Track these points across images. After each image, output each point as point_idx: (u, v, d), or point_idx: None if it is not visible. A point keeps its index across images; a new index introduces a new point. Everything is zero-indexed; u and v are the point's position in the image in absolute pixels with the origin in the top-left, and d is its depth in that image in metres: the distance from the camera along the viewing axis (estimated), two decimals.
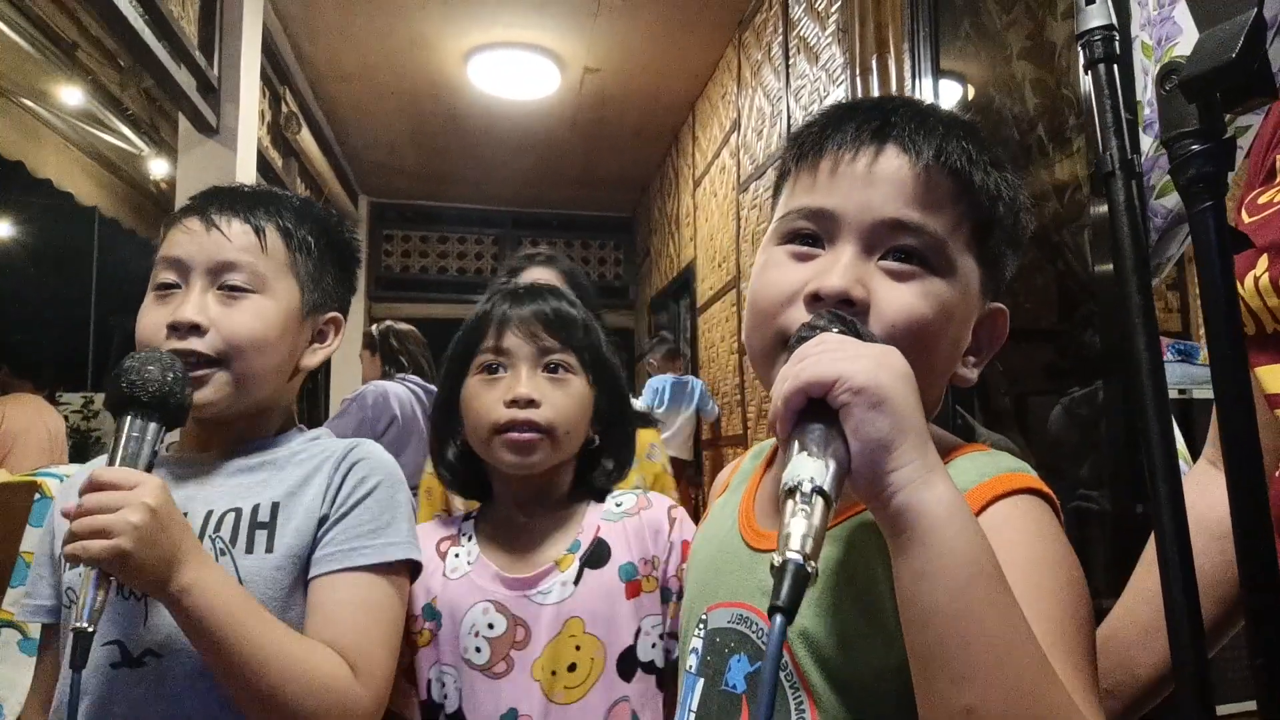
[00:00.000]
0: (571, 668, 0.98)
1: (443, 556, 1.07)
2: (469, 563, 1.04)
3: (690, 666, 0.75)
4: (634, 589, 1.01)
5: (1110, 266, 1.83)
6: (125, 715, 0.85)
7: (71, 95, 4.00)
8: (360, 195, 6.65)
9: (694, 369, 4.88)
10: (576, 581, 1.01)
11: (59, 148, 4.38)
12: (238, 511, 0.93)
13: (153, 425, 0.83)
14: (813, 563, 0.46)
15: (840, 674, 0.62)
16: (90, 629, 0.73)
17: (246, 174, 3.30)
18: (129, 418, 0.83)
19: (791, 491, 0.49)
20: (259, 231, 0.97)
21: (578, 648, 0.98)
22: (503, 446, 1.03)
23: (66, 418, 5.70)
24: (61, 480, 1.91)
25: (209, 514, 0.93)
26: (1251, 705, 0.49)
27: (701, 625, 0.74)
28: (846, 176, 0.68)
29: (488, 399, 1.04)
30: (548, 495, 1.08)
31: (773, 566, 0.46)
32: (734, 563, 0.74)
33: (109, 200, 4.86)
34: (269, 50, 3.90)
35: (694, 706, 0.72)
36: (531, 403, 1.02)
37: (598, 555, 1.03)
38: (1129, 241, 0.54)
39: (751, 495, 0.79)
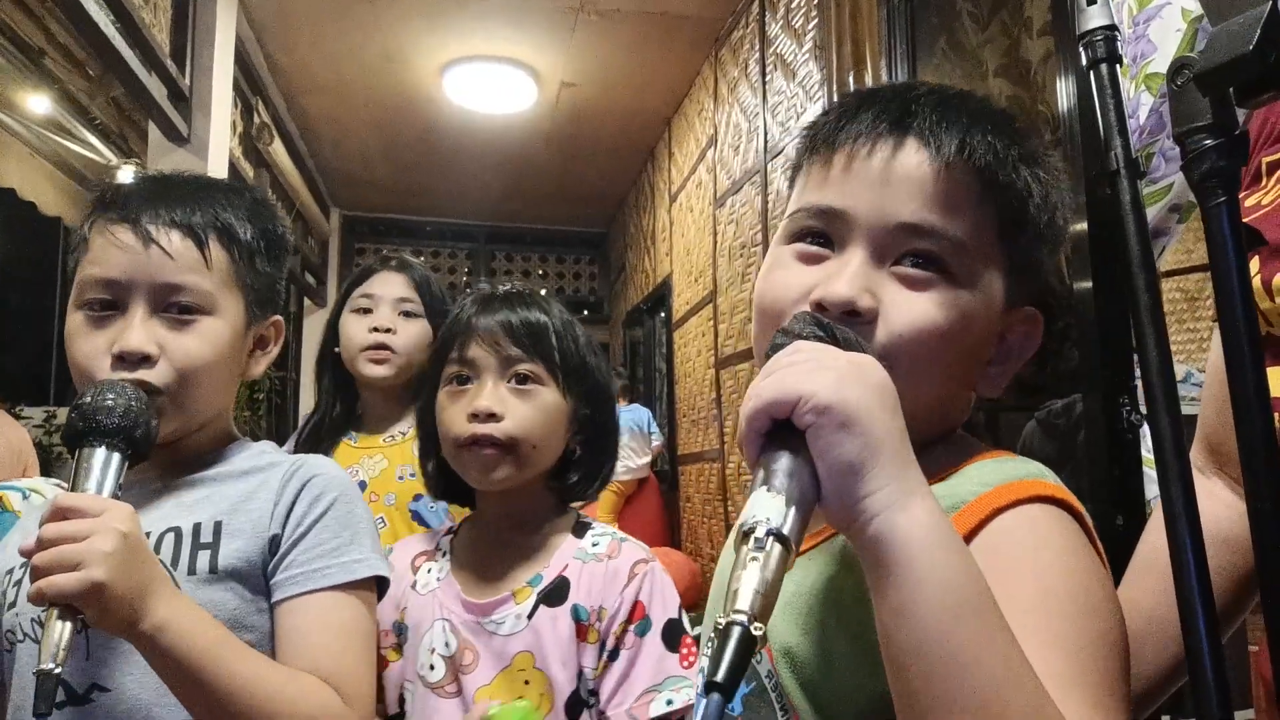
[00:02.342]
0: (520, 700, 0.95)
1: (415, 571, 1.04)
2: (438, 579, 1.02)
3: (699, 686, 0.73)
4: (583, 632, 0.98)
5: (1089, 283, 1.85)
6: None
7: (38, 103, 3.94)
8: (332, 208, 6.59)
9: (669, 384, 4.87)
10: (530, 615, 0.98)
11: (23, 157, 4.31)
12: (177, 531, 0.87)
13: (116, 455, 0.77)
14: (759, 625, 0.41)
15: (823, 697, 0.59)
16: (57, 670, 0.66)
17: None
18: (89, 448, 0.76)
19: (746, 535, 0.44)
20: (201, 244, 0.88)
21: (526, 683, 0.96)
22: (467, 462, 1.00)
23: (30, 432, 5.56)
24: (25, 495, 1.85)
25: (146, 535, 0.85)
26: (1243, 714, 0.48)
27: (710, 643, 0.72)
28: (860, 173, 0.62)
29: (452, 411, 1.02)
30: (523, 512, 1.05)
31: (716, 628, 0.41)
32: None
33: (74, 211, 4.78)
34: (242, 60, 3.86)
35: None
36: (492, 416, 0.99)
37: (557, 592, 0.99)
38: (1135, 240, 0.53)
39: None
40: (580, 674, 0.97)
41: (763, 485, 0.46)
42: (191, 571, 0.85)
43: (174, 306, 0.87)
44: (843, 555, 0.60)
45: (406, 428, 1.64)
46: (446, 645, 0.98)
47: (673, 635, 0.98)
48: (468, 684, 0.96)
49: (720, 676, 0.39)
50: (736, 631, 0.40)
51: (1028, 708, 0.43)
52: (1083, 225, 1.76)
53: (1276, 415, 0.70)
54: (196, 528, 0.87)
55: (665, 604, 1.00)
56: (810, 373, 0.48)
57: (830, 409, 0.46)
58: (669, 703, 0.94)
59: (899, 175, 0.61)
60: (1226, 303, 0.46)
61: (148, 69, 2.84)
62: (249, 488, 0.91)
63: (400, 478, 1.57)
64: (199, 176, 1.01)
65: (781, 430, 0.48)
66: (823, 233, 0.64)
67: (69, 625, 0.68)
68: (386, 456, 1.61)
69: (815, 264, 0.63)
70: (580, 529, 1.06)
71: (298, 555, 0.87)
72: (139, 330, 0.84)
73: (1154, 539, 0.81)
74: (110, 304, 0.86)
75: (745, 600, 0.41)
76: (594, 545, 1.03)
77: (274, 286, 0.99)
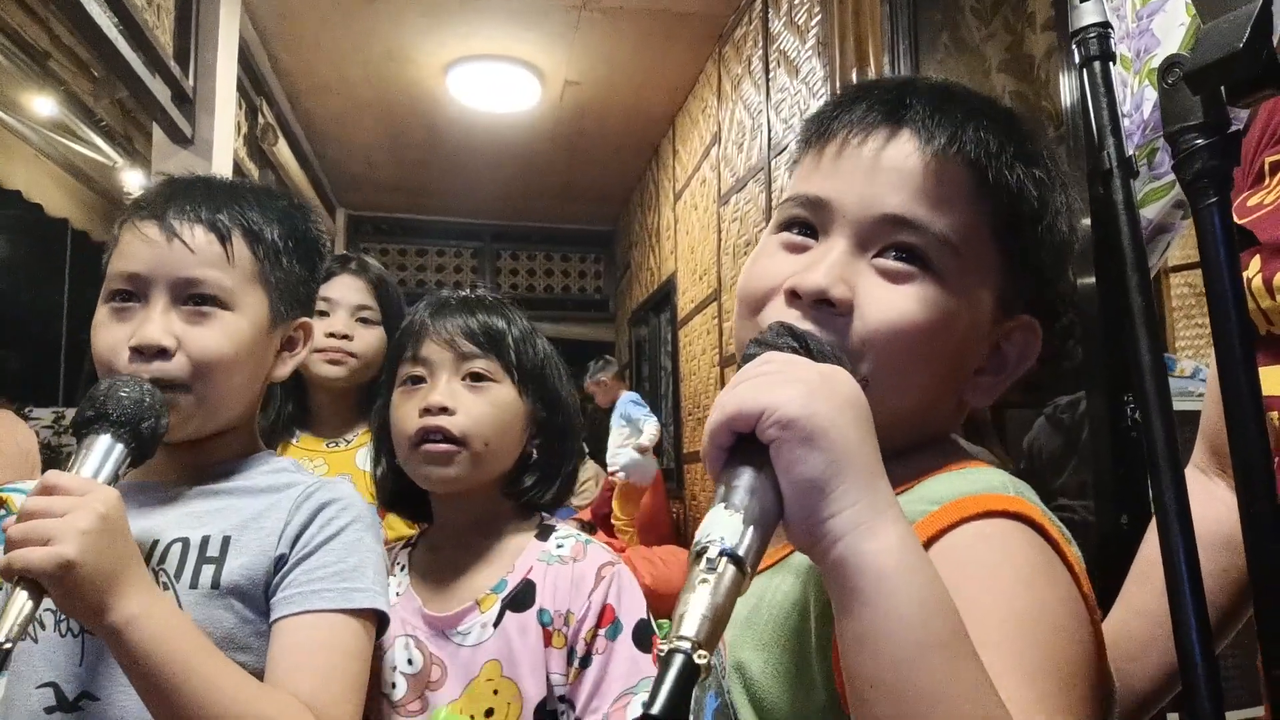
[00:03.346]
0: (489, 713, 0.93)
1: None
2: (398, 594, 1.00)
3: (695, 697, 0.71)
4: (548, 637, 0.95)
5: (1093, 279, 1.83)
6: None
7: (43, 105, 3.95)
8: (338, 207, 6.60)
9: (675, 382, 4.87)
10: (496, 624, 0.96)
11: (30, 159, 4.32)
12: (185, 542, 0.86)
13: (119, 446, 0.76)
14: (703, 652, 0.38)
15: (769, 708, 0.57)
16: (8, 644, 0.64)
17: None
18: (93, 435, 0.76)
19: (699, 555, 0.41)
20: (224, 240, 0.88)
21: (495, 692, 0.94)
22: (419, 459, 0.98)
23: (37, 433, 5.59)
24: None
25: (155, 543, 0.86)
26: (1250, 712, 0.47)
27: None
28: (849, 162, 0.61)
29: (405, 409, 1.00)
30: (482, 518, 1.03)
31: (658, 655, 0.39)
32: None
33: (80, 212, 4.79)
34: (245, 61, 3.86)
35: None
36: (444, 410, 0.97)
37: (522, 598, 0.97)
38: (1128, 240, 0.52)
39: None
40: (548, 680, 0.94)
41: (721, 502, 0.44)
42: (194, 585, 0.84)
43: (193, 299, 0.87)
44: (807, 572, 0.58)
45: (353, 436, 1.62)
46: (410, 662, 0.95)
47: (643, 636, 0.96)
48: (435, 700, 0.94)
49: (658, 708, 0.37)
50: (678, 660, 0.38)
51: None
52: (1085, 221, 1.75)
53: (1275, 413, 0.70)
54: (205, 540, 0.86)
55: (633, 605, 0.98)
56: (776, 385, 0.46)
57: (794, 423, 0.44)
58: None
59: (887, 166, 0.59)
60: (1218, 303, 0.45)
61: (151, 71, 2.84)
62: (263, 505, 0.89)
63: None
64: (232, 180, 1.01)
65: (746, 445, 0.46)
66: (809, 222, 0.62)
67: (30, 602, 0.66)
68: (328, 462, 1.59)
69: (798, 253, 0.61)
70: (544, 532, 1.03)
71: (299, 575, 0.86)
72: (157, 322, 0.84)
73: (1157, 541, 0.81)
74: (132, 295, 0.87)
75: (691, 626, 0.39)
76: (558, 547, 1.01)
77: (303, 288, 0.98)
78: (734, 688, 0.59)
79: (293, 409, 1.64)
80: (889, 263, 0.58)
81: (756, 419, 0.45)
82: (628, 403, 4.73)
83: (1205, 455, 0.81)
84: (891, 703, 0.41)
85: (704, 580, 0.40)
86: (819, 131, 0.64)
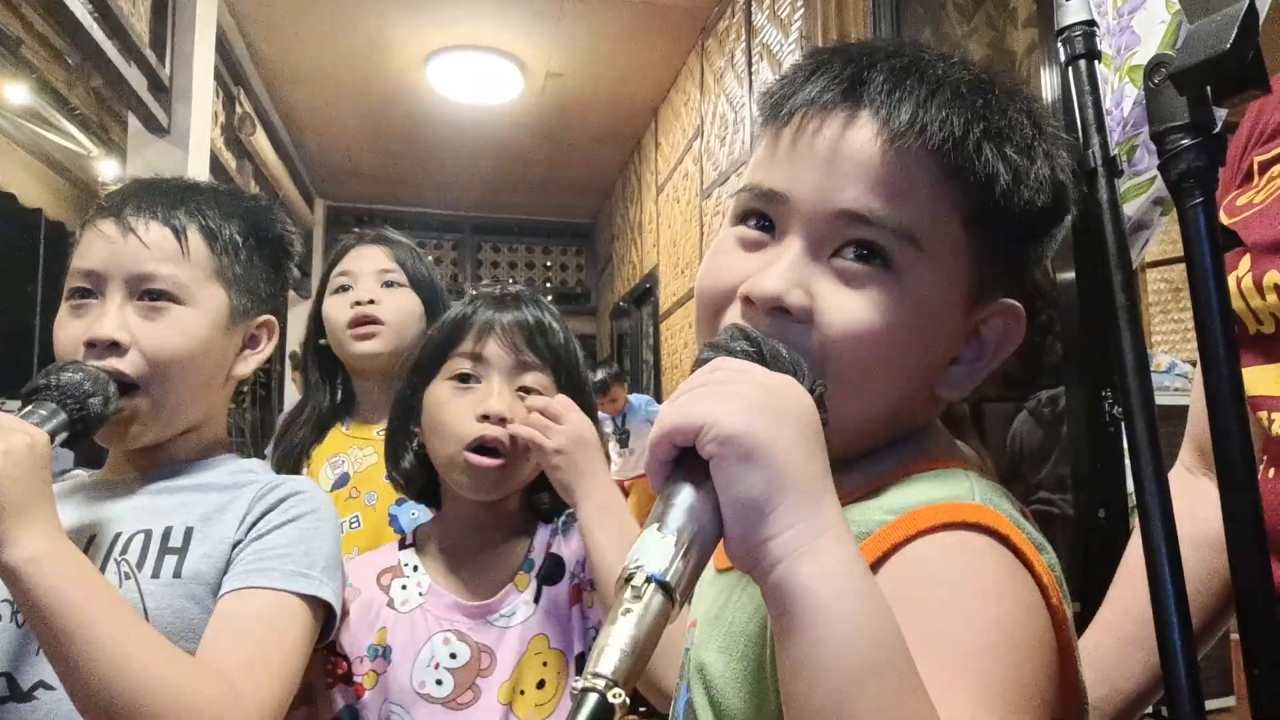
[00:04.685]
0: (540, 684, 0.95)
1: (385, 589, 1.00)
2: (420, 593, 0.99)
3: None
4: (576, 594, 0.99)
5: (1072, 274, 1.85)
6: None
7: (16, 93, 3.88)
8: (316, 198, 6.55)
9: (656, 376, 4.87)
10: (537, 599, 0.98)
11: (3, 148, 4.25)
12: (147, 533, 0.86)
13: (62, 414, 0.76)
14: (618, 691, 0.36)
15: (727, 717, 0.55)
16: None
17: (199, 175, 3.22)
18: (38, 401, 0.76)
19: (625, 581, 0.39)
20: (179, 235, 0.89)
21: (544, 664, 0.96)
22: (466, 468, 0.96)
23: None
24: None
25: (117, 536, 0.85)
26: (1222, 702, 0.48)
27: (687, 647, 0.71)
28: (804, 151, 0.56)
29: (457, 408, 0.97)
30: (502, 513, 1.03)
31: (573, 692, 0.37)
32: (705, 580, 0.67)
33: (54, 202, 4.73)
34: (223, 50, 3.82)
35: None
36: (504, 421, 0.95)
37: (554, 571, 0.99)
38: (1112, 238, 0.52)
39: None
40: (586, 635, 0.98)
41: (655, 523, 0.41)
42: (155, 575, 0.83)
43: (148, 294, 0.87)
44: None
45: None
46: (453, 656, 0.94)
47: None
48: (487, 686, 0.94)
49: None
50: (591, 700, 0.35)
51: None
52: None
53: (1265, 413, 0.70)
54: (167, 531, 0.86)
55: None
56: (717, 397, 0.43)
57: (734, 439, 0.41)
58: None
59: (843, 155, 0.55)
60: (1203, 303, 0.46)
61: (127, 59, 2.80)
62: (227, 499, 0.89)
63: (388, 477, 1.48)
64: (194, 180, 1.00)
65: (688, 459, 0.43)
66: (765, 215, 0.58)
67: None
68: (377, 451, 1.43)
69: (755, 250, 0.58)
70: (546, 517, 1.05)
71: (249, 553, 0.85)
72: (111, 317, 0.85)
73: None
74: (90, 293, 0.87)
75: (609, 663, 0.36)
76: (563, 523, 1.04)
77: (266, 285, 0.97)
78: (695, 688, 0.58)
79: (331, 402, 1.53)
80: (847, 264, 0.54)
81: (696, 433, 0.42)
82: (645, 405, 4.69)
83: (1192, 455, 0.81)
84: None
85: (627, 611, 0.38)
86: (774, 111, 0.59)
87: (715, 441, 0.42)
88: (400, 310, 1.48)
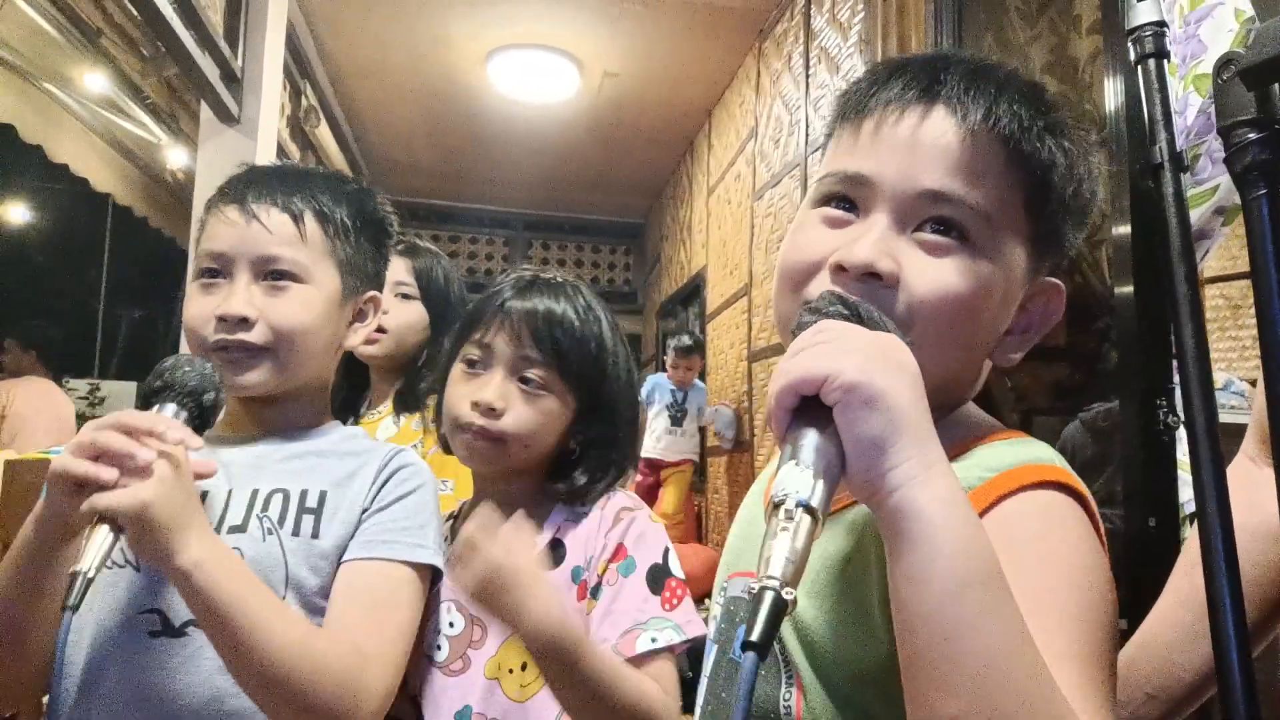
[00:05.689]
0: (524, 666, 0.98)
1: None
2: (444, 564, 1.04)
3: (711, 632, 0.76)
4: (582, 591, 1.00)
5: (1130, 288, 1.83)
6: (160, 684, 0.85)
7: (94, 81, 4.02)
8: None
9: (702, 375, 4.87)
10: None
11: (78, 133, 4.40)
12: (285, 493, 0.94)
13: (184, 413, 0.83)
14: (790, 589, 0.43)
15: (825, 662, 0.61)
16: (92, 574, 0.69)
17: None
18: (160, 402, 0.82)
19: (777, 506, 0.46)
20: (298, 220, 0.98)
21: None
22: (458, 444, 1.04)
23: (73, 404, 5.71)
24: None
25: (255, 492, 0.94)
26: None
27: (722, 594, 0.76)
28: (888, 140, 0.64)
29: (457, 391, 1.05)
30: (522, 491, 1.07)
31: (749, 593, 0.45)
32: (754, 533, 0.74)
33: (123, 188, 4.87)
34: (291, 44, 3.92)
35: (707, 672, 0.74)
36: (492, 410, 1.01)
37: (554, 555, 1.02)
38: (1176, 233, 0.54)
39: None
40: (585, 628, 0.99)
41: (791, 460, 0.48)
42: (295, 533, 0.92)
43: (272, 274, 0.96)
44: (853, 529, 0.63)
45: (383, 408, 1.71)
46: (451, 625, 1.01)
47: (656, 579, 0.99)
48: (476, 658, 0.99)
49: (756, 637, 0.42)
50: (769, 596, 0.43)
51: (1026, 675, 0.45)
52: (1125, 228, 1.75)
53: None
54: (304, 494, 0.95)
55: (650, 549, 1.01)
56: (837, 352, 0.50)
57: (857, 387, 0.48)
58: (653, 640, 0.94)
59: (925, 142, 0.63)
60: (1265, 293, 0.47)
61: (202, 49, 2.89)
62: (351, 468, 0.98)
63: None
64: (306, 167, 1.10)
65: (809, 407, 0.50)
66: (848, 198, 0.65)
67: (110, 536, 0.72)
68: (371, 434, 1.67)
69: (840, 228, 0.65)
70: (572, 497, 1.07)
71: (371, 524, 0.94)
72: (240, 295, 0.94)
73: None
74: (218, 273, 0.96)
75: (777, 567, 0.44)
76: (583, 507, 1.06)
77: (371, 264, 1.07)
78: (788, 636, 0.63)
79: (348, 391, 1.74)
80: (929, 236, 0.62)
81: (821, 382, 0.49)
82: (704, 395, 4.70)
83: (1256, 443, 0.80)
84: (936, 633, 0.46)
85: (784, 528, 0.45)
86: (856, 108, 0.67)
87: (841, 389, 0.48)
88: (403, 323, 1.69)
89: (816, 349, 0.51)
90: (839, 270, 0.62)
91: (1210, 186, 1.65)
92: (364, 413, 1.74)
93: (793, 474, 0.47)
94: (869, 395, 0.48)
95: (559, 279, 1.11)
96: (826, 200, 0.67)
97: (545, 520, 1.05)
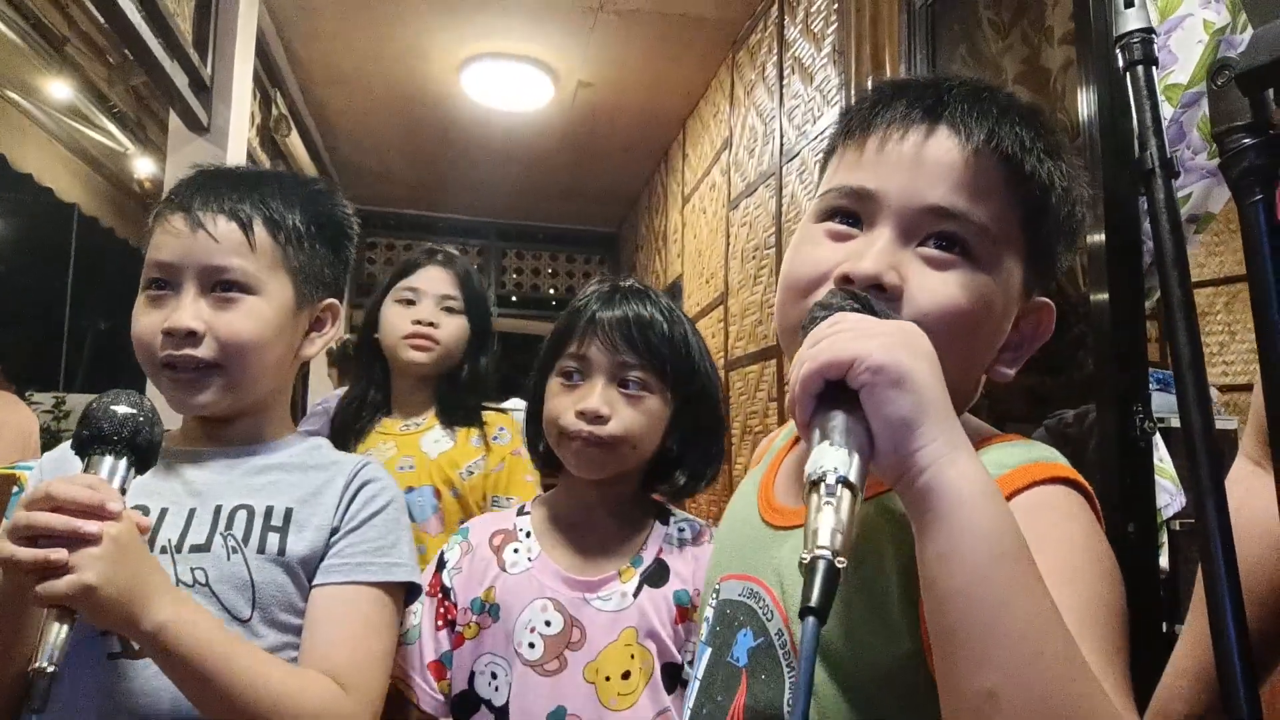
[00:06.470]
0: (625, 675, 0.99)
1: (498, 550, 1.07)
2: (529, 559, 1.06)
3: (703, 635, 0.76)
4: (684, 614, 1.03)
5: (1105, 295, 1.85)
6: (128, 704, 0.83)
7: (59, 90, 3.96)
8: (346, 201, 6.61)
9: None
10: (635, 594, 1.03)
11: (42, 142, 4.32)
12: (249, 510, 0.92)
13: (122, 462, 0.79)
14: (842, 559, 0.45)
15: (836, 658, 0.61)
16: (51, 669, 0.67)
17: None
18: (96, 456, 0.78)
19: (816, 483, 0.48)
20: (246, 228, 0.94)
21: (632, 656, 1.00)
22: (568, 454, 1.05)
23: (38, 417, 5.59)
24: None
25: (218, 509, 0.91)
26: None
27: (715, 595, 0.75)
28: (892, 156, 0.65)
29: (560, 403, 1.05)
30: (616, 498, 1.09)
31: (801, 563, 0.45)
32: (750, 537, 0.74)
33: (89, 198, 4.80)
34: (262, 52, 3.88)
35: (700, 675, 0.74)
36: (599, 418, 1.02)
37: (658, 575, 1.04)
38: (1169, 236, 0.54)
39: (773, 472, 0.80)
40: (685, 649, 1.02)
41: (824, 440, 0.50)
42: (261, 550, 0.90)
43: (219, 286, 0.92)
44: (865, 525, 0.63)
45: (423, 419, 1.69)
46: (548, 624, 1.01)
47: None
48: (574, 660, 0.99)
49: (815, 602, 0.43)
50: (823, 564, 0.44)
51: (1058, 646, 0.46)
52: (1100, 236, 1.76)
53: None
54: (269, 510, 0.92)
55: None
56: (861, 336, 0.52)
57: (885, 368, 0.50)
58: None
59: (929, 160, 0.64)
60: (1261, 297, 0.47)
61: (171, 57, 2.86)
62: (317, 482, 0.96)
63: (400, 468, 1.62)
64: (256, 169, 1.07)
65: (833, 392, 0.51)
66: (853, 212, 0.67)
67: (65, 626, 0.70)
68: (397, 445, 1.67)
69: (843, 241, 0.66)
70: (663, 515, 1.11)
71: (344, 547, 0.92)
72: (187, 309, 0.90)
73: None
74: (165, 284, 0.93)
75: (825, 538, 0.45)
76: (680, 531, 1.09)
77: (328, 270, 1.03)
78: (796, 632, 0.63)
79: (375, 394, 1.73)
80: (933, 251, 0.64)
81: (849, 366, 0.50)
82: None
83: (1255, 444, 0.79)
84: (967, 608, 0.47)
85: (828, 503, 0.47)
86: (860, 125, 0.68)
87: (869, 371, 0.50)
88: (453, 337, 1.72)
89: (839, 335, 0.52)
90: (844, 282, 0.63)
91: (1183, 196, 1.67)
92: (388, 424, 1.71)
93: (827, 452, 0.49)
94: (897, 376, 0.50)
95: (638, 285, 1.13)
96: (830, 214, 0.68)
97: (647, 537, 1.08)
